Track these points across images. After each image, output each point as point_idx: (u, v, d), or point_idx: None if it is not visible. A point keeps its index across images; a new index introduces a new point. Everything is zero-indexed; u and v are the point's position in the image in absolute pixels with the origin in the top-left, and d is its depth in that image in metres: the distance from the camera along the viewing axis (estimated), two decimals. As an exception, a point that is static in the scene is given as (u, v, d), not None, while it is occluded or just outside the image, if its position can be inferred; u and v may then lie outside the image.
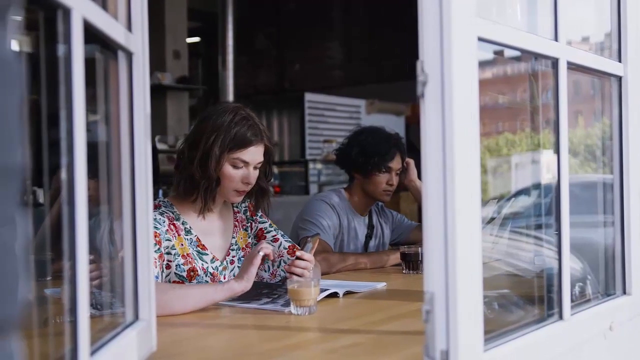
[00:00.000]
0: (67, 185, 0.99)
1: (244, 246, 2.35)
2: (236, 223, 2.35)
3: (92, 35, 1.10)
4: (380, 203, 3.16)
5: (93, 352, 1.09)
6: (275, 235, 2.38)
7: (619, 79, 1.79)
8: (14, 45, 0.60)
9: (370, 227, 3.12)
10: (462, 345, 1.15)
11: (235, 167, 2.17)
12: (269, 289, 2.13)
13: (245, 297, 2.03)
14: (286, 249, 2.33)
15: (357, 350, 1.51)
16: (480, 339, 1.21)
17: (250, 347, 1.57)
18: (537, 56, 1.54)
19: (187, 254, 2.16)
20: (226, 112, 2.17)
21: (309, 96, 8.07)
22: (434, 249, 1.16)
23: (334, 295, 2.09)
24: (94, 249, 1.14)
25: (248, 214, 2.40)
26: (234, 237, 2.32)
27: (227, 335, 1.72)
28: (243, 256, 2.32)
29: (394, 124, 6.98)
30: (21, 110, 0.60)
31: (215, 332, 1.75)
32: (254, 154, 2.18)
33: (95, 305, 1.31)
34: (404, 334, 1.65)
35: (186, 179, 2.18)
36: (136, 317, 1.36)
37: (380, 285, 2.33)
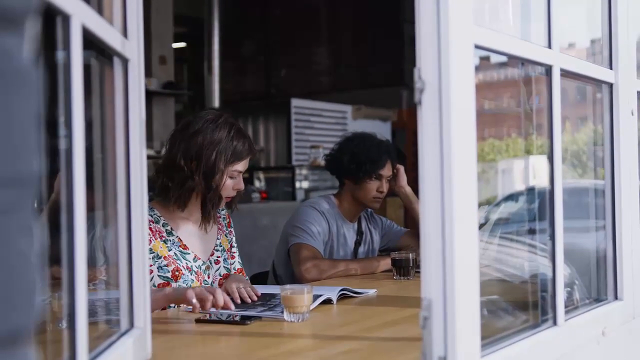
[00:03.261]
0: (66, 192, 0.99)
1: (227, 249, 2.43)
2: (220, 226, 2.43)
3: (88, 41, 1.10)
4: (369, 209, 3.16)
5: (90, 361, 1.08)
6: (235, 253, 2.48)
7: (610, 85, 1.81)
8: (30, 54, 0.59)
9: (360, 233, 3.12)
10: (460, 351, 1.15)
11: (231, 177, 2.27)
12: (264, 299, 2.12)
13: (242, 306, 2.02)
14: (235, 270, 2.41)
15: (353, 357, 1.51)
16: (477, 345, 1.21)
17: (245, 355, 1.56)
18: (532, 63, 1.55)
19: (169, 255, 2.21)
20: (219, 127, 2.24)
21: (295, 102, 8.06)
22: (431, 255, 1.16)
23: (327, 301, 2.09)
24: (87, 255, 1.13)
25: (226, 222, 2.49)
26: (218, 239, 2.40)
27: (222, 342, 1.71)
28: (227, 258, 2.40)
29: (380, 130, 6.99)
30: (38, 119, 0.59)
31: (209, 339, 1.74)
32: (247, 164, 2.31)
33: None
34: (399, 340, 1.65)
35: (187, 192, 2.23)
36: (131, 324, 1.35)
37: (372, 292, 2.32)
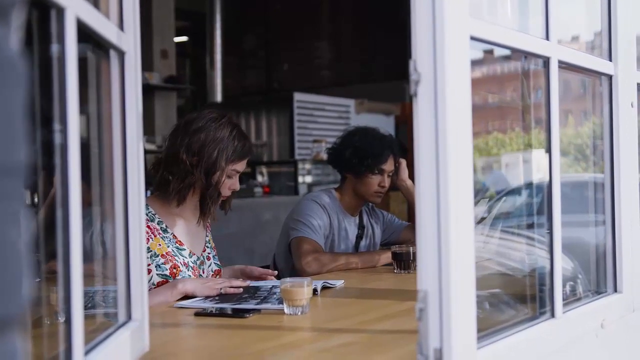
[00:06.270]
0: (61, 187, 0.99)
1: (213, 247, 2.48)
2: (208, 225, 2.47)
3: (84, 34, 1.10)
4: (370, 203, 3.16)
5: (87, 352, 1.08)
6: (215, 253, 2.48)
7: (610, 77, 1.80)
8: (17, 45, 0.60)
9: (361, 227, 3.12)
10: (456, 343, 1.15)
11: (229, 177, 2.30)
12: (249, 293, 2.12)
13: (231, 300, 2.02)
14: (213, 272, 2.42)
15: (350, 349, 1.51)
16: (473, 336, 1.21)
17: (244, 347, 1.56)
18: (529, 55, 1.54)
19: (167, 253, 2.24)
20: (222, 126, 2.28)
21: (297, 96, 8.05)
22: (427, 247, 1.16)
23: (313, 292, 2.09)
24: (84, 250, 1.13)
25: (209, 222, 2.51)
26: (207, 236, 2.45)
27: (220, 335, 1.71)
28: (215, 255, 2.45)
29: (383, 124, 6.98)
30: (25, 109, 0.60)
31: (207, 332, 1.74)
32: (245, 164, 2.35)
33: (86, 305, 1.31)
34: (397, 333, 1.66)
35: (187, 187, 2.25)
36: (129, 317, 1.35)
37: (340, 283, 2.34)
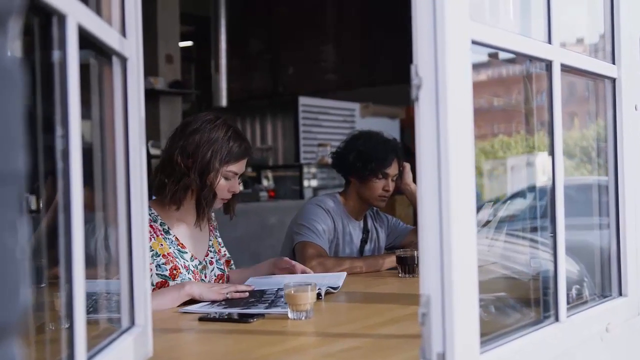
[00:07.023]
0: (62, 192, 0.99)
1: (217, 251, 2.47)
2: (211, 229, 2.48)
3: (86, 40, 1.10)
4: (375, 207, 3.16)
5: (89, 358, 1.09)
6: (219, 257, 2.47)
7: (613, 80, 1.80)
8: (15, 52, 0.60)
9: (366, 231, 3.12)
10: (459, 347, 1.15)
11: (226, 178, 2.30)
12: (255, 297, 2.12)
13: (238, 304, 2.02)
14: (215, 276, 2.42)
15: (354, 354, 1.51)
16: (476, 341, 1.21)
17: (248, 352, 1.56)
18: (531, 59, 1.54)
19: (168, 253, 2.25)
20: (217, 127, 2.28)
21: (303, 100, 8.07)
22: (429, 251, 1.16)
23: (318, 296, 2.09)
24: (89, 255, 1.13)
25: (215, 225, 2.53)
26: (210, 240, 2.44)
27: (224, 340, 1.71)
28: (219, 259, 2.44)
29: (388, 128, 6.99)
30: (22, 116, 0.60)
31: (211, 337, 1.74)
32: (243, 166, 2.34)
33: (89, 310, 1.31)
34: (401, 338, 1.65)
35: (183, 189, 2.25)
36: (132, 322, 1.35)
37: (342, 277, 2.37)
